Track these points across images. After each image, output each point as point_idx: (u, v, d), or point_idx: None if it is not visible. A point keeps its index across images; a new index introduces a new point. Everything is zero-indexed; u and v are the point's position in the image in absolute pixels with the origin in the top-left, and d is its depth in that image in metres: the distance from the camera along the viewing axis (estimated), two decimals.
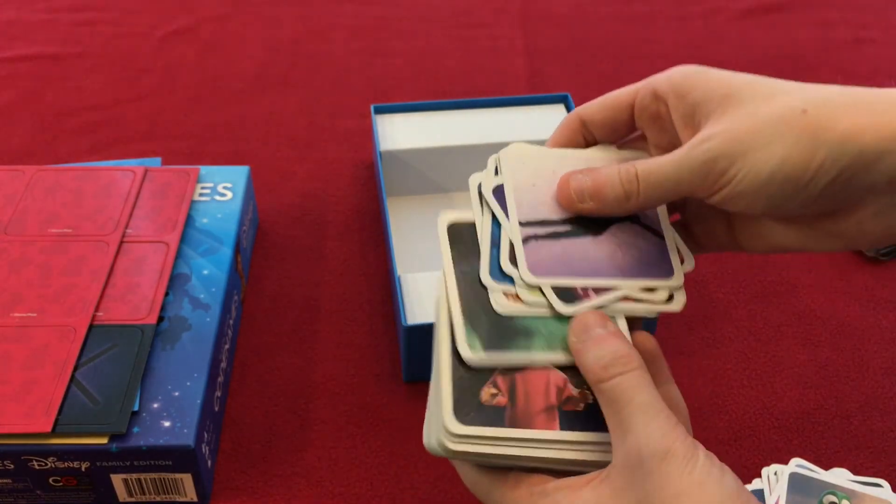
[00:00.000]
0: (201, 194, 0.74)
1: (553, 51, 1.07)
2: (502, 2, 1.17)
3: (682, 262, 0.47)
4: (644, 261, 0.46)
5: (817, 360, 0.70)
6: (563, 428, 0.41)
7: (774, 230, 0.44)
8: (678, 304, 0.46)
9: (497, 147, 0.81)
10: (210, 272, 0.67)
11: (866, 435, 0.65)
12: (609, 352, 0.41)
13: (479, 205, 0.46)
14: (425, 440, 0.43)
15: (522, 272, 0.44)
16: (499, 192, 0.46)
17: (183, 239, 0.70)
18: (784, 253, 0.45)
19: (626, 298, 0.45)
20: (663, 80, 0.44)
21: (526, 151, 0.48)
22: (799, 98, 0.39)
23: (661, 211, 0.48)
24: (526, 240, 0.45)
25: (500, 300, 0.44)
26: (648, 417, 0.38)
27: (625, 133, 0.48)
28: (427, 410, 0.44)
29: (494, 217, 0.46)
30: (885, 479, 0.61)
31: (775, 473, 0.60)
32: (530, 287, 0.44)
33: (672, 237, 0.47)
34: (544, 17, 1.14)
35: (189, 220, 0.72)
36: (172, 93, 0.99)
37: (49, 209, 0.71)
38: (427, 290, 0.67)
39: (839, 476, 0.60)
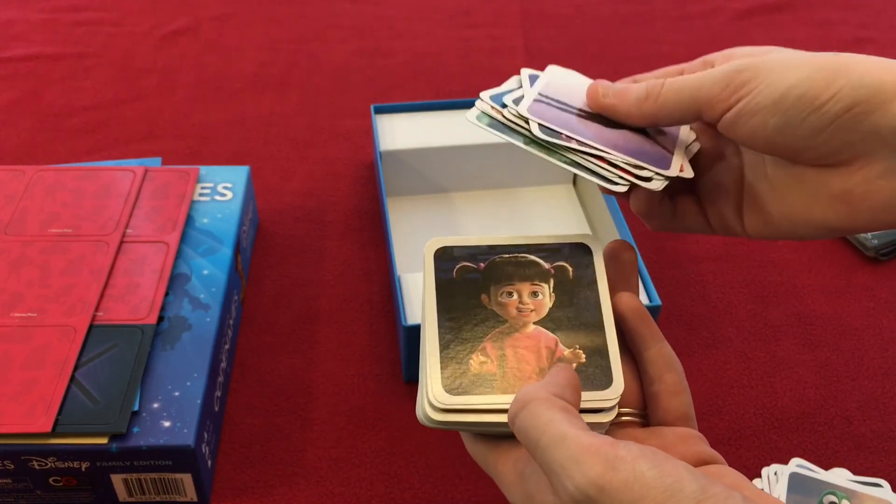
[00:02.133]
0: (201, 194, 0.74)
1: (553, 51, 1.07)
2: (502, 2, 1.17)
3: (681, 170, 0.44)
4: (642, 149, 0.44)
5: (817, 360, 0.70)
6: None
7: (780, 196, 0.42)
8: (657, 184, 0.43)
9: (497, 147, 0.82)
10: (210, 272, 0.67)
11: (866, 435, 0.65)
12: (518, 401, 0.37)
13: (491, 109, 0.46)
14: (417, 411, 0.42)
15: (520, 108, 0.44)
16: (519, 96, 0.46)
17: (183, 239, 0.70)
18: (784, 237, 0.43)
19: (602, 160, 0.43)
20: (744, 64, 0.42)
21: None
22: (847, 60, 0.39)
23: (683, 129, 0.46)
24: (538, 100, 0.45)
25: (483, 108, 0.44)
26: (556, 449, 0.34)
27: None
28: (420, 381, 0.43)
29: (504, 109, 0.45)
30: (885, 479, 0.61)
31: (775, 473, 0.60)
32: (518, 116, 0.44)
33: (682, 152, 0.45)
34: (544, 17, 1.14)
35: (189, 220, 0.72)
36: (172, 93, 0.99)
37: (49, 209, 0.71)
38: None
39: (839, 476, 0.60)
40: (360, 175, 0.88)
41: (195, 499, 0.59)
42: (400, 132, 0.82)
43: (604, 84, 0.45)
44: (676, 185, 0.47)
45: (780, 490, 0.59)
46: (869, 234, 0.78)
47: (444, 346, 0.43)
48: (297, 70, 1.03)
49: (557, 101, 0.46)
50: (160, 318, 0.63)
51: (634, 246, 0.45)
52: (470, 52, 1.07)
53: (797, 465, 0.60)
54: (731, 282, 0.77)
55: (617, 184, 0.43)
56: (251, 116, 0.96)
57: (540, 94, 0.46)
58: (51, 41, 1.07)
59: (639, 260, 0.69)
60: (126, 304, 0.63)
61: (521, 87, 0.47)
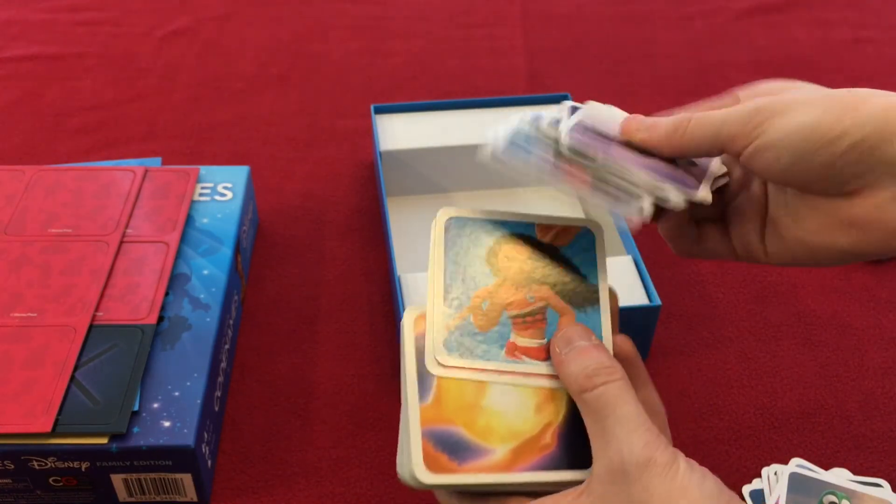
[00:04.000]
0: (201, 194, 0.74)
1: (553, 51, 1.07)
2: (502, 2, 1.17)
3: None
4: (670, 174, 0.45)
5: (817, 360, 0.70)
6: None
7: (798, 223, 0.44)
8: (677, 202, 0.44)
9: None
10: (210, 272, 0.67)
11: (866, 435, 0.65)
12: (593, 362, 0.42)
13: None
14: (399, 471, 0.43)
15: (560, 127, 0.45)
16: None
17: (183, 239, 0.70)
18: (803, 263, 0.46)
19: (621, 178, 0.44)
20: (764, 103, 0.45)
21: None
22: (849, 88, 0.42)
23: (714, 162, 0.47)
24: (577, 126, 0.46)
25: (517, 125, 0.45)
26: (631, 428, 0.39)
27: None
28: (399, 441, 0.44)
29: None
30: (885, 479, 0.61)
31: (775, 473, 0.60)
32: (551, 132, 0.45)
33: (708, 182, 0.46)
34: (544, 17, 1.14)
35: (189, 219, 0.72)
36: (172, 93, 0.99)
37: (49, 209, 0.71)
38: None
39: (839, 476, 0.60)
40: (360, 175, 0.88)
41: (195, 499, 0.59)
42: (400, 132, 0.82)
43: (637, 119, 0.47)
44: (704, 213, 0.49)
45: (780, 490, 0.59)
46: None
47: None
48: (297, 70, 1.03)
49: (594, 130, 0.47)
50: (160, 318, 0.63)
51: (616, 293, 0.47)
52: (470, 52, 1.07)
53: (797, 465, 0.60)
54: (731, 282, 0.77)
55: (640, 197, 0.44)
56: (251, 116, 0.96)
57: (579, 122, 0.46)
58: (51, 41, 1.07)
59: (639, 260, 0.69)
60: (126, 304, 0.63)
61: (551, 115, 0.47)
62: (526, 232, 0.46)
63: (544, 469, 0.42)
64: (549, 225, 0.47)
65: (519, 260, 0.46)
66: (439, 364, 0.43)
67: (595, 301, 0.45)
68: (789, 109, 0.42)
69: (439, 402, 0.42)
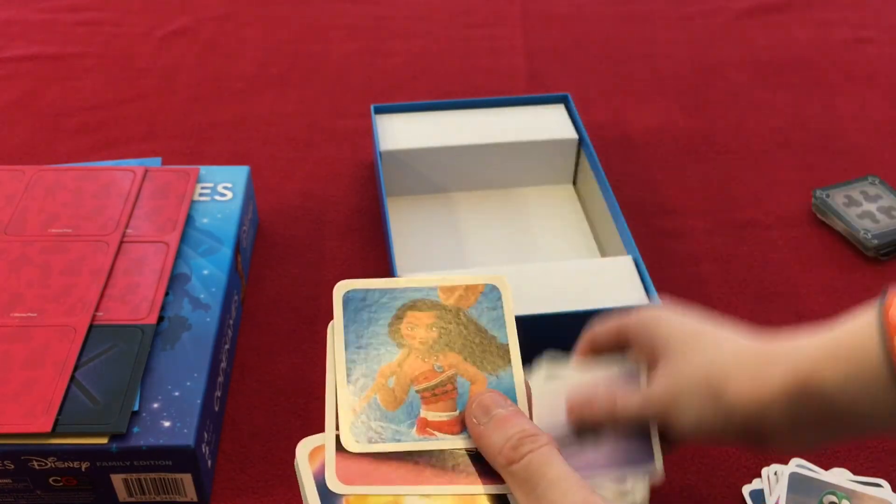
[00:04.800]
0: (201, 194, 0.74)
1: (553, 51, 1.07)
2: (502, 2, 1.17)
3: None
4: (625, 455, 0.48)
5: None
6: None
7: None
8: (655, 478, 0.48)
9: (497, 147, 0.81)
10: (210, 272, 0.67)
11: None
12: (516, 431, 0.40)
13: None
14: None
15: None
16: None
17: (183, 239, 0.70)
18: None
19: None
20: (634, 322, 0.50)
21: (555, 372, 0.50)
22: (705, 363, 0.45)
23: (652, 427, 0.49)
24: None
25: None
26: (565, 489, 0.38)
27: (624, 346, 0.51)
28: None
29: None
30: (885, 479, 0.61)
31: (775, 473, 0.60)
32: None
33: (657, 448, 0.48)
34: (544, 17, 1.14)
35: (189, 219, 0.72)
36: (172, 93, 0.99)
37: (49, 209, 0.71)
38: None
39: (839, 476, 0.60)
40: (360, 175, 0.88)
41: (195, 499, 0.59)
42: (400, 132, 0.82)
43: (575, 405, 0.49)
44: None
45: (780, 490, 0.59)
46: (869, 234, 0.78)
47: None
48: (297, 70, 1.03)
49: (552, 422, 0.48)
50: (160, 318, 0.63)
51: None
52: (470, 52, 1.07)
53: (797, 465, 0.60)
54: (731, 282, 0.77)
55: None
56: (251, 116, 0.96)
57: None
58: (51, 41, 1.07)
59: (639, 260, 0.69)
60: (126, 304, 0.63)
61: None
62: (429, 297, 0.44)
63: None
64: (451, 286, 0.45)
65: (423, 327, 0.43)
66: (341, 483, 0.40)
67: (507, 362, 0.43)
68: (678, 411, 0.46)
69: None
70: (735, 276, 0.77)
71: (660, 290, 0.75)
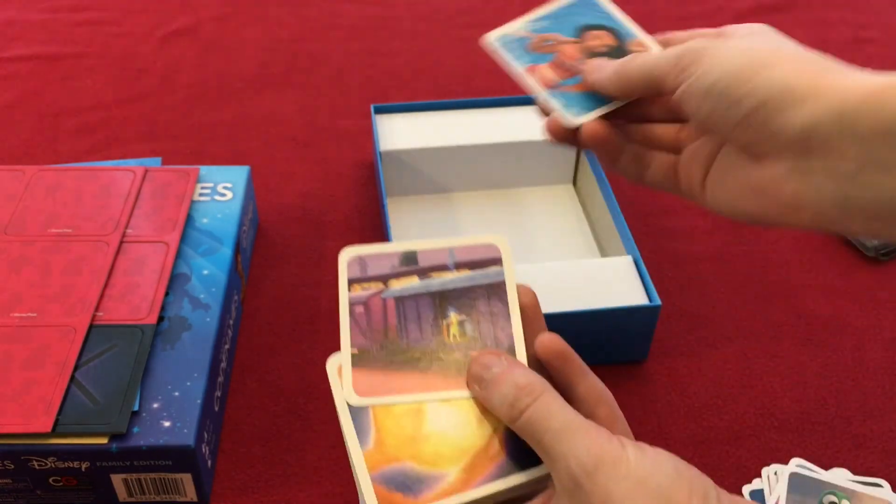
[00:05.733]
0: (201, 194, 0.74)
1: None
2: (502, 2, 1.17)
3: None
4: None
5: (817, 360, 0.70)
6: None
7: (724, 178, 0.45)
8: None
9: (497, 147, 0.81)
10: (210, 272, 0.67)
11: (866, 435, 0.65)
12: (510, 388, 0.40)
13: None
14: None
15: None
16: None
17: (183, 239, 0.70)
18: (732, 216, 0.46)
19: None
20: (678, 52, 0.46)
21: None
22: (774, 43, 0.43)
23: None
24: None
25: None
26: (568, 438, 0.38)
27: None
28: (357, 486, 0.43)
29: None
30: (885, 479, 0.61)
31: (775, 473, 0.60)
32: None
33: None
34: None
35: (189, 219, 0.72)
36: (172, 93, 0.99)
37: (49, 209, 0.71)
38: None
39: (839, 476, 0.60)
40: (360, 175, 0.88)
41: (195, 499, 0.59)
42: (400, 132, 0.82)
43: (593, 62, 0.50)
44: (662, 142, 0.50)
45: (780, 490, 0.59)
46: None
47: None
48: (297, 70, 1.03)
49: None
50: (160, 318, 0.63)
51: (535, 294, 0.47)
52: (470, 52, 1.07)
53: (797, 465, 0.60)
54: (731, 282, 0.77)
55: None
56: (251, 116, 0.96)
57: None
58: (51, 41, 1.07)
59: (639, 260, 0.69)
60: (126, 304, 0.63)
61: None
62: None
63: (500, 477, 0.41)
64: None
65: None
66: (358, 396, 0.42)
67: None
68: (713, 57, 0.42)
69: (381, 444, 0.42)
70: (735, 276, 0.77)
71: (660, 290, 0.75)
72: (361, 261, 0.46)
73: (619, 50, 0.52)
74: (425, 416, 0.42)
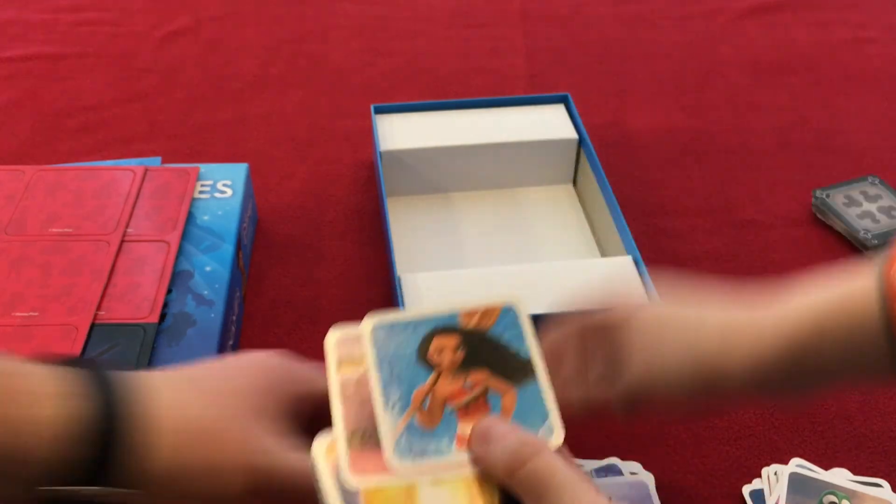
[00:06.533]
0: (201, 192, 0.74)
1: (553, 51, 1.07)
2: (502, 2, 1.17)
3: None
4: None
5: None
6: None
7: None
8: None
9: (497, 147, 0.81)
10: (213, 268, 0.67)
11: (866, 435, 0.65)
12: (514, 441, 0.40)
13: None
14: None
15: None
16: None
17: (184, 236, 0.70)
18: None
19: None
20: (597, 322, 0.51)
21: None
22: (689, 343, 0.48)
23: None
24: None
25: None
26: (573, 494, 0.38)
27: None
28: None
29: None
30: (885, 479, 0.61)
31: (775, 473, 0.60)
32: None
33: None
34: (544, 17, 1.14)
35: (190, 217, 0.72)
36: (172, 93, 0.99)
37: (49, 209, 0.71)
38: (427, 290, 0.67)
39: (839, 476, 0.60)
40: (360, 175, 0.88)
41: None
42: (400, 132, 0.82)
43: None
44: None
45: (780, 490, 0.59)
46: (869, 234, 0.78)
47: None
48: (297, 70, 1.03)
49: None
50: (163, 316, 0.63)
51: None
52: (470, 52, 1.07)
53: (797, 465, 0.60)
54: (731, 282, 0.77)
55: None
56: (251, 116, 0.96)
57: None
58: (51, 41, 1.07)
59: (639, 260, 0.69)
60: (127, 304, 0.63)
61: None
62: (450, 322, 0.46)
63: None
64: (470, 310, 0.47)
65: (449, 350, 0.45)
66: (356, 477, 0.41)
67: (532, 374, 0.45)
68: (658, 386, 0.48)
69: None
70: (735, 276, 0.77)
71: (660, 290, 0.75)
72: (348, 340, 0.46)
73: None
74: (416, 494, 0.42)
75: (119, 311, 0.63)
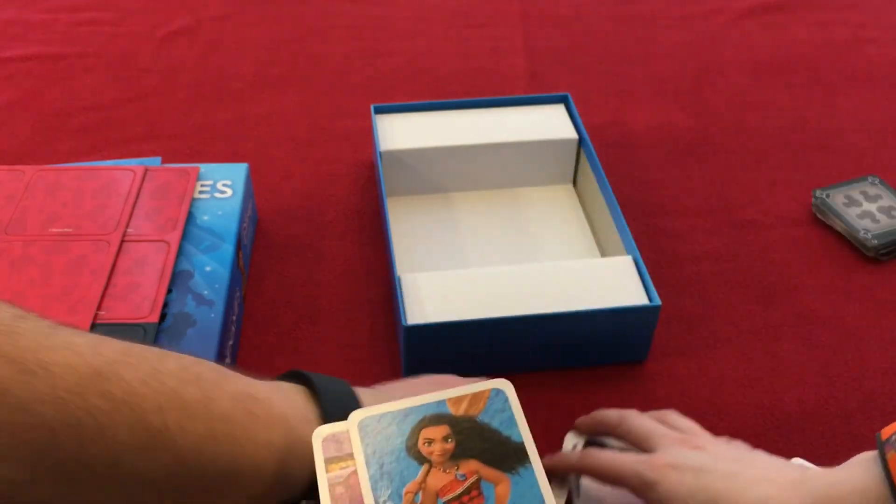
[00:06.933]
0: (201, 191, 0.74)
1: (553, 51, 1.07)
2: (502, 2, 1.17)
3: None
4: None
5: (817, 360, 0.70)
6: None
7: None
8: None
9: (497, 147, 0.82)
10: (213, 268, 0.67)
11: (866, 435, 0.65)
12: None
13: None
14: None
15: None
16: None
17: (184, 236, 0.70)
18: None
19: None
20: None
21: None
22: None
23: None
24: None
25: None
26: None
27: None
28: None
29: None
30: None
31: None
32: None
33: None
34: (544, 17, 1.14)
35: (190, 217, 0.72)
36: (172, 93, 0.99)
37: (50, 209, 0.71)
38: (427, 290, 0.67)
39: None
40: (360, 175, 0.88)
41: None
42: (400, 132, 0.82)
43: None
44: None
45: None
46: (869, 233, 0.78)
47: None
48: (297, 70, 1.03)
49: None
50: (163, 315, 0.63)
51: None
52: (470, 52, 1.07)
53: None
54: (731, 282, 0.77)
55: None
56: (251, 116, 0.96)
57: None
58: (51, 41, 1.07)
59: (639, 260, 0.69)
60: (127, 303, 0.63)
61: None
62: (438, 410, 0.46)
63: None
64: (458, 397, 0.46)
65: (439, 441, 0.44)
66: None
67: (525, 459, 0.44)
68: None
69: None
70: (735, 276, 0.77)
71: (660, 290, 0.75)
72: (336, 438, 0.45)
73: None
74: None
75: (119, 311, 0.63)
